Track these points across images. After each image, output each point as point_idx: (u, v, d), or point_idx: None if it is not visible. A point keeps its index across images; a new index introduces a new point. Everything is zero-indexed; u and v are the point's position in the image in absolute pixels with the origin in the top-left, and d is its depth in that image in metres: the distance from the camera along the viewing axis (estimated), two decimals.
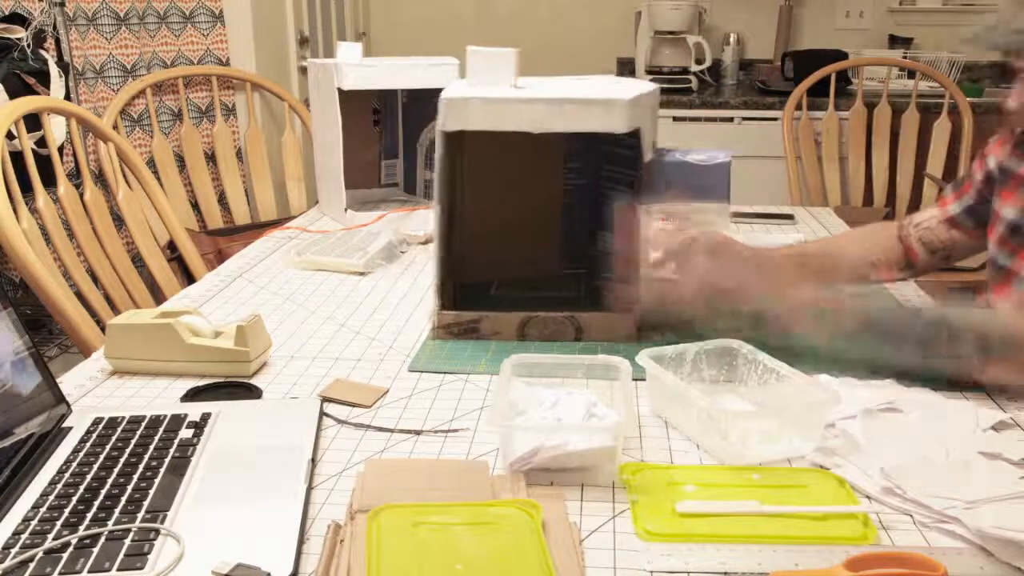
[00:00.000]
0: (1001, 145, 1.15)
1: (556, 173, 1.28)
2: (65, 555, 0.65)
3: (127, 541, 0.67)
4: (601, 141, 1.20)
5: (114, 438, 0.83)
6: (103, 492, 0.74)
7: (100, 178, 2.16)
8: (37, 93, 1.96)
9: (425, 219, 1.68)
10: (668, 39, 3.23)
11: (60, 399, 0.88)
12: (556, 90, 1.04)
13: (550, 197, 1.28)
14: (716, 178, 1.15)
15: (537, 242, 1.28)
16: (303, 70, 2.81)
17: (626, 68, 3.50)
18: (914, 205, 2.65)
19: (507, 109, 1.03)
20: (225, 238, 2.28)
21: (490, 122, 1.03)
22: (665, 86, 3.10)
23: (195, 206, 2.52)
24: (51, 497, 0.74)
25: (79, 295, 1.47)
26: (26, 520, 0.70)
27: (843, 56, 2.98)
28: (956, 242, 1.21)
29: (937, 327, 0.94)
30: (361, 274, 1.40)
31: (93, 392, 0.98)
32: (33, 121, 1.67)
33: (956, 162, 2.63)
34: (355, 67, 1.62)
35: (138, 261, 1.76)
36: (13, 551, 0.66)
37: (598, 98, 1.01)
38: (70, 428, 0.86)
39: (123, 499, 0.73)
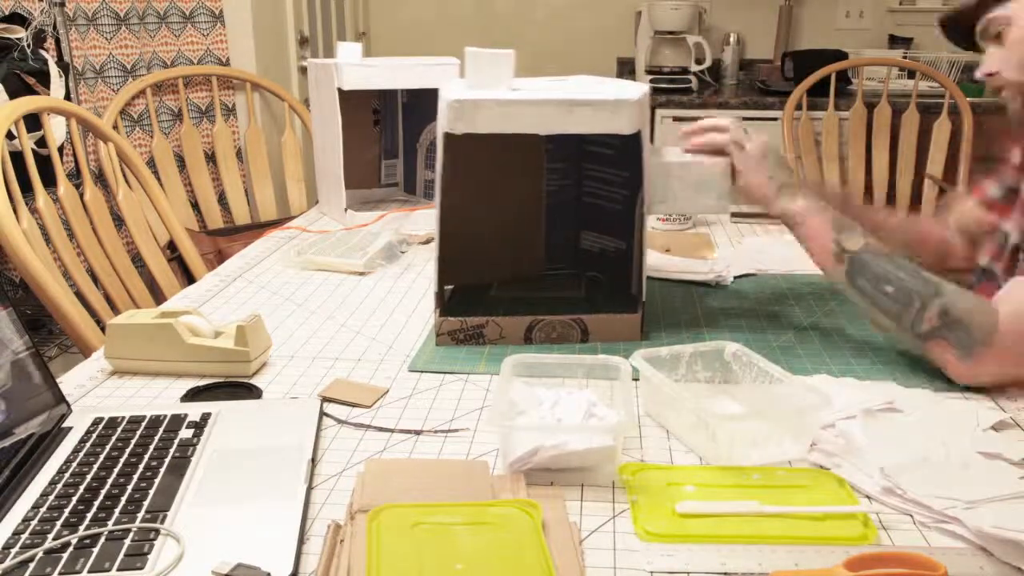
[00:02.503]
0: None
1: (558, 174, 1.28)
2: (65, 555, 0.65)
3: (127, 541, 0.67)
4: (606, 142, 1.20)
5: (114, 438, 0.83)
6: (103, 492, 0.74)
7: (100, 178, 2.16)
8: (37, 93, 1.96)
9: (425, 219, 1.68)
10: (668, 39, 3.23)
11: (60, 399, 0.88)
12: (555, 91, 1.04)
13: (551, 198, 1.28)
14: (713, 176, 1.14)
15: (536, 243, 1.28)
16: (303, 70, 2.81)
17: (626, 68, 3.50)
18: (914, 205, 2.65)
19: (516, 111, 1.01)
20: (225, 238, 2.28)
21: (498, 124, 1.01)
22: (665, 86, 3.10)
23: (195, 206, 2.52)
24: (51, 497, 0.74)
25: (79, 295, 1.47)
26: (26, 520, 0.70)
27: (843, 56, 2.98)
28: (995, 229, 1.19)
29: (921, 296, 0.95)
30: (361, 274, 1.40)
31: (93, 392, 0.98)
32: (33, 121, 1.67)
33: (956, 162, 2.63)
34: (355, 67, 1.62)
35: (138, 261, 1.76)
36: (13, 551, 0.66)
37: (607, 99, 1.01)
38: (70, 428, 0.86)
39: (123, 499, 0.73)
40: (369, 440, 0.87)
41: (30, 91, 1.95)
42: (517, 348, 1.09)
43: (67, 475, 0.77)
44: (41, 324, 2.13)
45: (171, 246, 1.89)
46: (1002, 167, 1.21)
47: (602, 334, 1.10)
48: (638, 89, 1.04)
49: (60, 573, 0.63)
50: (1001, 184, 1.20)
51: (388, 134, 1.91)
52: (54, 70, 2.02)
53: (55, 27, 2.12)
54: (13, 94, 1.86)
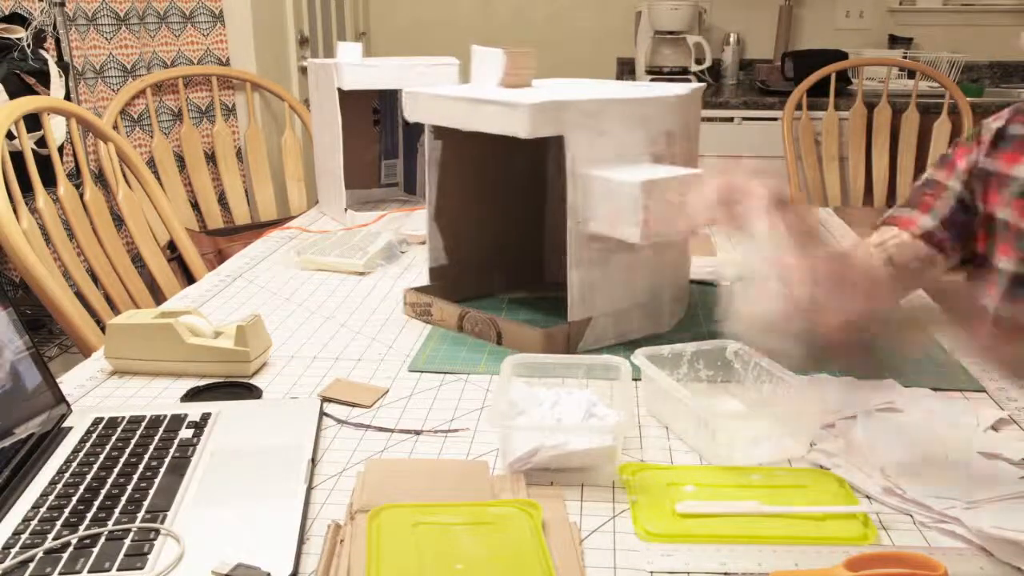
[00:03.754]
0: (969, 149, 1.10)
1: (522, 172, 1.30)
2: (65, 555, 0.65)
3: (127, 541, 0.67)
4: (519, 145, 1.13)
5: (114, 438, 0.83)
6: (103, 492, 0.74)
7: (100, 178, 2.16)
8: (37, 93, 1.96)
9: (425, 219, 1.68)
10: (668, 39, 3.23)
11: (60, 399, 0.88)
12: (497, 91, 1.06)
13: (517, 199, 1.30)
14: (630, 202, 0.94)
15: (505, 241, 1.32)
16: (303, 70, 2.81)
17: (626, 68, 3.50)
18: None
19: (438, 104, 1.08)
20: (225, 238, 2.28)
21: (426, 115, 1.12)
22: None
23: (195, 206, 2.52)
24: (51, 497, 0.74)
25: (79, 295, 1.47)
26: (26, 520, 0.70)
27: (843, 56, 2.98)
28: (934, 260, 1.10)
29: None
30: (361, 274, 1.40)
31: (93, 392, 0.98)
32: (33, 121, 1.67)
33: None
34: (355, 67, 1.62)
35: (138, 261, 1.76)
36: (13, 551, 0.66)
37: (505, 101, 0.99)
38: (70, 428, 0.86)
39: (123, 499, 0.73)
40: (369, 440, 0.87)
41: (30, 91, 1.95)
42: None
43: (67, 475, 0.77)
44: (41, 324, 2.13)
45: (171, 246, 1.89)
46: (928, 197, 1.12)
47: (510, 341, 1.09)
48: (584, 92, 1.03)
49: (60, 573, 0.63)
50: (935, 216, 1.11)
51: (388, 134, 1.91)
52: (54, 70, 2.02)
53: (55, 27, 2.12)
54: (13, 94, 1.86)
